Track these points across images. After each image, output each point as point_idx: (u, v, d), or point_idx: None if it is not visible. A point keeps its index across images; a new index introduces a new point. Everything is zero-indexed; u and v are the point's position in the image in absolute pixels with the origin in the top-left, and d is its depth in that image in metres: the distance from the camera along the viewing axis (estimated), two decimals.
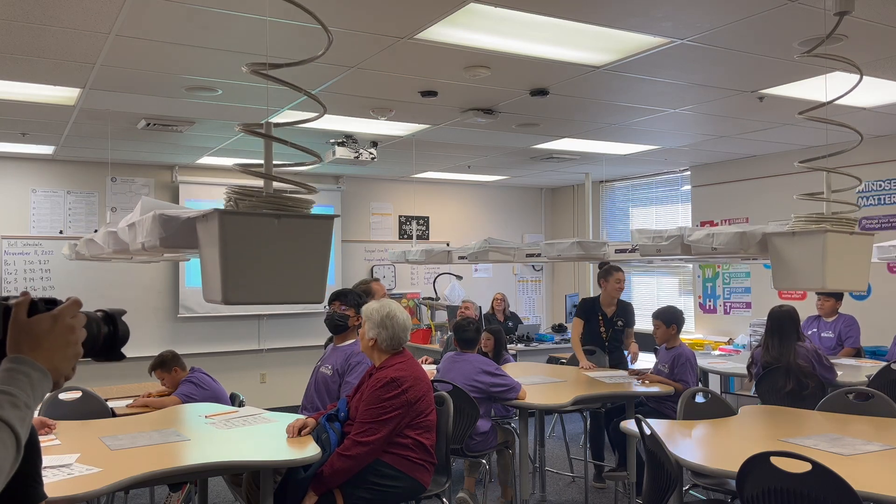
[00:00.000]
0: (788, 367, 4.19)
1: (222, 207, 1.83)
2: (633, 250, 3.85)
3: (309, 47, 3.69)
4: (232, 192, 1.86)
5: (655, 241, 3.59)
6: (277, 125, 2.07)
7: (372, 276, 8.81)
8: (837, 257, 2.82)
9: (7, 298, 1.16)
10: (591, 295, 6.49)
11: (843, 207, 3.01)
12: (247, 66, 2.07)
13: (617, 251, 4.07)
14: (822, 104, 3.01)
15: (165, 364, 4.45)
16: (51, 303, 1.16)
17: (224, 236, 1.73)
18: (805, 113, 3.00)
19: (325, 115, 5.34)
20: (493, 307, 7.90)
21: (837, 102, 4.55)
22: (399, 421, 3.17)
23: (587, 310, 5.72)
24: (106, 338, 1.23)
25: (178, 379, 4.44)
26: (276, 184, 1.92)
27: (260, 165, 1.95)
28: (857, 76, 2.87)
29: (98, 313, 1.24)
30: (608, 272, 5.67)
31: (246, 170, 1.95)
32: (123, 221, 3.12)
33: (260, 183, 1.91)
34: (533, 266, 10.04)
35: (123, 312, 1.27)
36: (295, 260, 1.80)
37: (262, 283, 1.77)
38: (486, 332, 5.21)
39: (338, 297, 4.10)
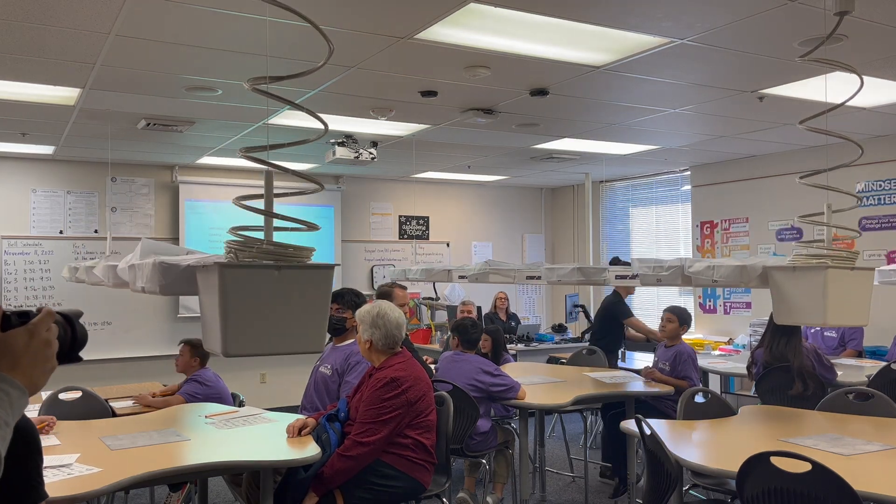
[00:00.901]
0: (801, 369, 4.17)
1: (223, 259, 1.81)
2: (633, 277, 3.92)
3: (310, 47, 3.69)
4: (232, 243, 1.83)
5: (656, 271, 3.65)
6: (279, 146, 2.04)
7: (372, 276, 8.82)
8: (839, 293, 2.82)
9: None
10: (609, 296, 6.59)
11: (845, 233, 3.03)
12: (247, 83, 2.06)
13: (617, 276, 4.12)
14: (823, 112, 3.01)
15: (197, 348, 4.50)
16: (24, 315, 1.12)
17: (224, 289, 1.71)
18: (806, 122, 3.01)
19: (325, 115, 5.36)
20: (495, 306, 7.90)
21: (836, 103, 4.56)
22: (399, 421, 3.17)
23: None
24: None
25: (191, 367, 4.47)
26: (275, 221, 1.90)
27: (260, 195, 1.93)
28: (858, 77, 2.87)
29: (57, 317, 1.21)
30: None
31: (244, 205, 1.92)
32: (123, 262, 3.11)
33: (259, 217, 1.89)
34: None
35: (80, 314, 1.24)
36: (295, 310, 1.78)
37: (263, 334, 1.75)
38: (485, 334, 5.21)
39: (334, 298, 4.08)
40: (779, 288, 3.04)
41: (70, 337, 1.20)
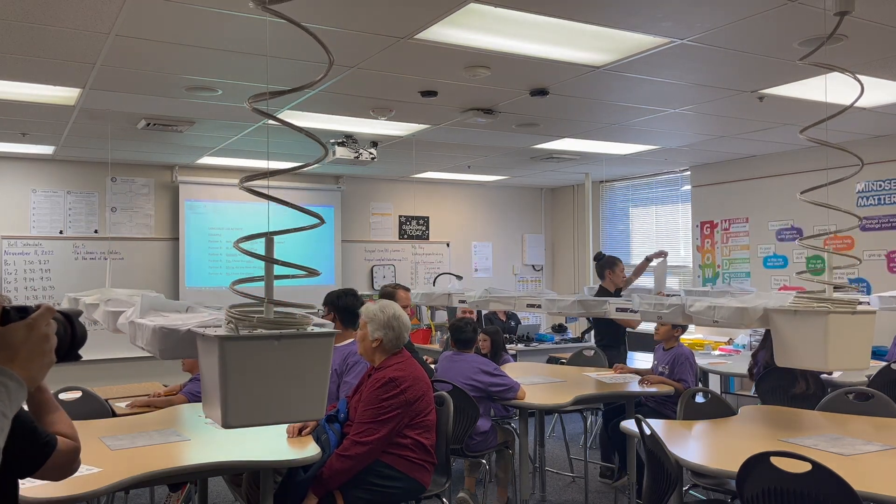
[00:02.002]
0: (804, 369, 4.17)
1: (223, 331, 1.79)
2: (634, 312, 3.97)
3: (310, 47, 3.69)
4: (232, 312, 1.81)
5: (657, 309, 3.70)
6: (278, 172, 2.03)
7: (372, 276, 8.82)
8: (839, 337, 2.84)
9: None
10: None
11: (845, 261, 3.06)
12: (248, 103, 2.06)
13: (618, 309, 4.17)
14: (823, 120, 3.02)
15: None
16: (23, 311, 1.14)
17: (224, 362, 1.71)
18: (806, 131, 3.01)
19: (325, 115, 5.37)
20: None
21: (836, 103, 4.55)
22: (398, 421, 3.17)
23: None
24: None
25: (197, 366, 4.45)
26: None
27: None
28: (858, 75, 2.87)
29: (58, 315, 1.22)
30: (613, 262, 6.04)
31: (244, 250, 1.89)
32: (123, 317, 3.09)
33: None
34: (533, 266, 10.04)
35: (80, 313, 1.27)
36: (295, 379, 1.77)
37: (263, 404, 1.74)
38: (483, 334, 5.20)
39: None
40: (779, 331, 3.05)
41: (70, 335, 1.22)
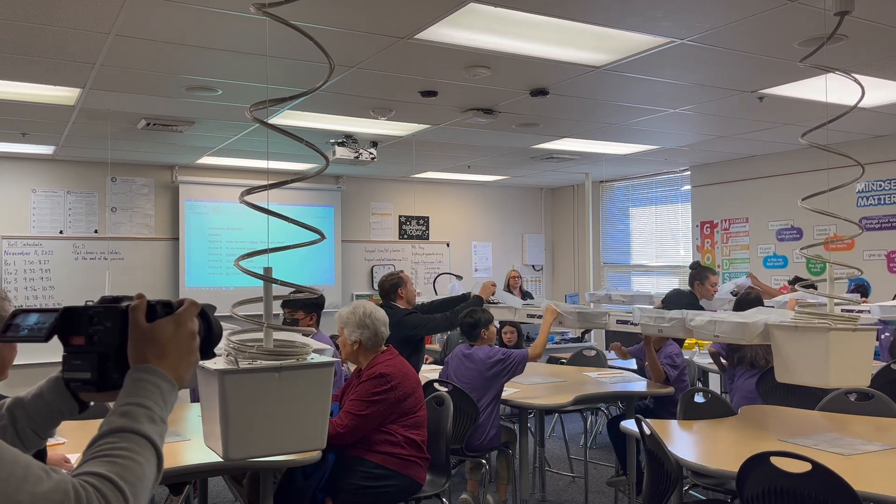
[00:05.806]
0: None
1: (222, 364, 1.80)
2: (634, 325, 3.99)
3: (310, 48, 3.69)
4: (231, 343, 1.82)
5: (657, 322, 3.71)
6: (279, 184, 2.02)
7: (372, 276, 8.82)
8: (840, 354, 2.83)
9: (120, 299, 1.07)
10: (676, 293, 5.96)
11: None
12: (249, 112, 2.06)
13: (619, 321, 4.19)
14: (823, 124, 3.02)
15: None
16: (167, 306, 1.07)
17: (224, 396, 1.72)
18: (806, 135, 3.02)
19: (325, 115, 5.36)
20: (508, 284, 7.78)
21: (836, 103, 4.56)
22: (382, 417, 3.17)
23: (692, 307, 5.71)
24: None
25: None
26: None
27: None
28: (858, 76, 2.88)
29: None
30: (702, 275, 5.68)
31: (250, 270, 1.88)
32: None
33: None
34: (533, 266, 10.04)
35: (214, 309, 1.18)
36: (296, 409, 1.78)
37: (264, 436, 1.75)
38: (510, 325, 5.18)
39: (292, 308, 4.18)
40: (780, 347, 3.05)
41: (206, 331, 1.14)
